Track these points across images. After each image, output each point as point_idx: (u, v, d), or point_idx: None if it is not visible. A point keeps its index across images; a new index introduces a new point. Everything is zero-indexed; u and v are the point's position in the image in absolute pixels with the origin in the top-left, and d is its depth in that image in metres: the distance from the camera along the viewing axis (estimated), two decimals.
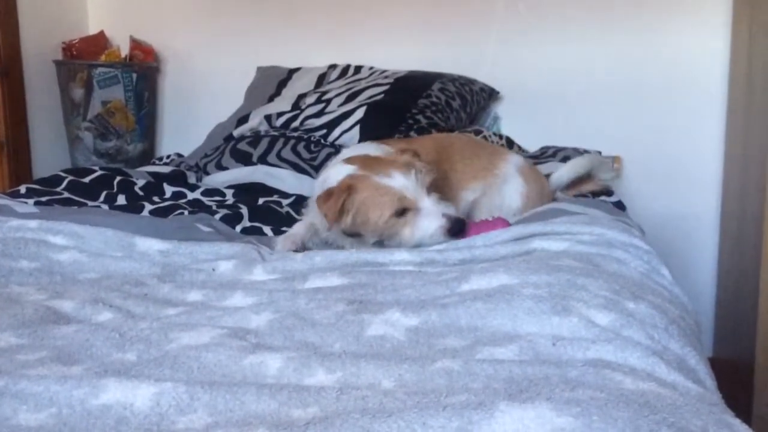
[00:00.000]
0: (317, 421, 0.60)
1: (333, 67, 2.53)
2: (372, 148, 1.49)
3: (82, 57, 2.69)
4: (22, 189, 1.77)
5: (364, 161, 1.36)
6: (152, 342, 0.86)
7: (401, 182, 1.29)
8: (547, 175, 1.81)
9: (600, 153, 2.34)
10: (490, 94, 2.47)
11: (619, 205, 1.77)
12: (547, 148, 2.31)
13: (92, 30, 2.89)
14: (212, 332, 0.88)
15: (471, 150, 1.65)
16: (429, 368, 0.71)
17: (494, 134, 2.29)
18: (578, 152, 2.23)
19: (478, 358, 0.74)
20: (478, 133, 2.23)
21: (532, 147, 2.36)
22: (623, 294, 0.93)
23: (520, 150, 2.29)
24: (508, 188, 1.55)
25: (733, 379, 2.00)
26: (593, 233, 1.25)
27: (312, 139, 2.17)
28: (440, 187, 1.54)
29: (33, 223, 1.38)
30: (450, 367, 0.71)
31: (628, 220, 1.51)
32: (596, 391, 0.62)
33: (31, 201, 1.67)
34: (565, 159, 2.15)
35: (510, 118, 2.54)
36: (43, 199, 1.72)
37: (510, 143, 2.28)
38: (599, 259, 1.14)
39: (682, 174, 2.46)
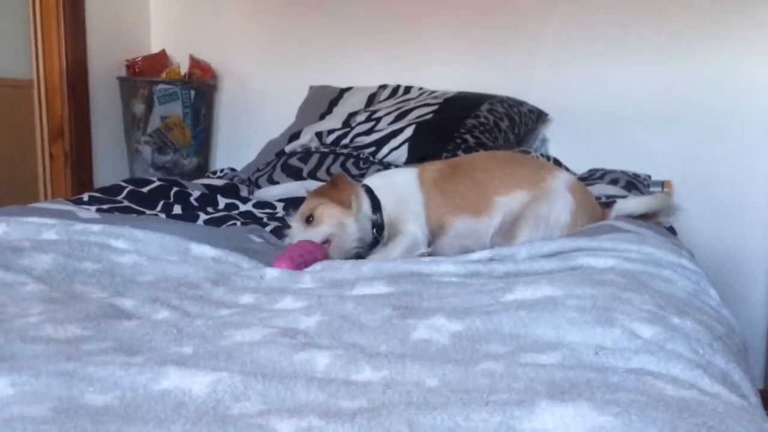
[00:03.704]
0: (364, 411, 0.63)
1: (383, 87, 2.59)
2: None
3: (144, 74, 2.81)
4: (85, 197, 1.86)
5: None
6: (208, 338, 0.91)
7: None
8: (598, 198, 1.80)
9: (650, 177, 2.33)
10: (539, 116, 2.49)
11: (671, 230, 1.76)
12: (595, 170, 2.31)
13: (154, 49, 3.02)
14: (264, 331, 0.92)
15: (516, 161, 1.67)
16: (472, 369, 0.74)
17: (542, 155, 2.30)
18: (627, 175, 2.22)
19: (520, 362, 0.76)
20: (525, 153, 2.24)
21: (580, 169, 2.36)
22: (668, 309, 0.93)
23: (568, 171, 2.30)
24: (557, 203, 1.54)
25: None
26: (641, 251, 1.25)
27: (361, 156, 2.22)
28: (465, 193, 1.58)
29: (96, 227, 1.45)
30: (493, 368, 0.73)
31: (679, 242, 1.50)
32: (637, 395, 0.64)
33: (93, 208, 1.75)
34: (613, 181, 2.15)
35: (558, 140, 2.55)
36: (105, 206, 1.80)
37: (557, 165, 2.28)
38: (646, 277, 1.14)
39: (734, 202, 2.42)
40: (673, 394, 0.65)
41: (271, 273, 1.28)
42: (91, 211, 1.70)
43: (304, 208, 1.57)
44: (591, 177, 2.23)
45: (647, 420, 0.57)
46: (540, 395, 0.64)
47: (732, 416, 0.62)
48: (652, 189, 2.28)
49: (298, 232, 1.53)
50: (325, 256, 1.44)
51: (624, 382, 0.68)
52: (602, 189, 2.04)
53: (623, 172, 2.25)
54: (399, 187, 1.63)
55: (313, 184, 2.13)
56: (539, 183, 1.56)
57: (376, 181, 1.67)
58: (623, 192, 2.03)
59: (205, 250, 1.39)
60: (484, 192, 1.58)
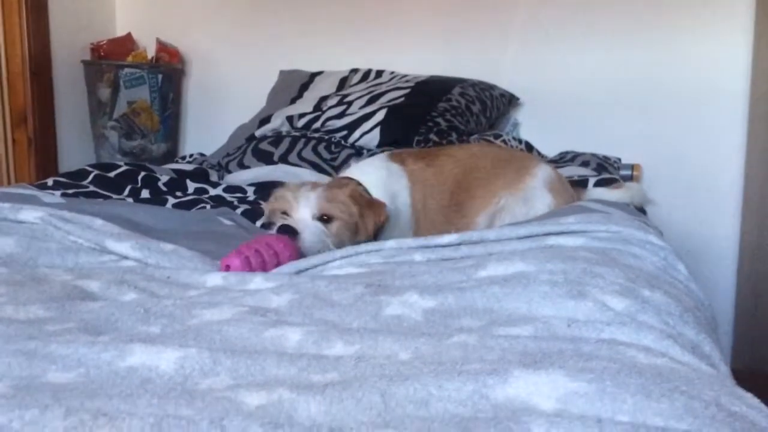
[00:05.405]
0: (336, 383, 0.62)
1: (355, 71, 2.57)
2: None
3: (110, 58, 2.75)
4: (50, 181, 1.81)
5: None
6: (176, 317, 0.89)
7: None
8: (569, 178, 1.80)
9: (620, 160, 2.35)
10: (510, 100, 2.49)
11: (641, 211, 1.77)
12: (566, 153, 2.32)
13: (120, 32, 2.95)
14: (233, 310, 0.90)
15: (494, 169, 1.59)
16: (445, 342, 0.73)
17: (513, 138, 2.31)
18: (597, 158, 2.23)
19: (493, 335, 0.76)
20: (497, 137, 2.24)
21: (551, 152, 2.37)
22: (639, 282, 0.94)
23: (539, 155, 2.30)
24: (535, 203, 1.53)
25: (751, 390, 1.98)
26: (609, 230, 1.25)
27: (333, 140, 2.20)
28: (449, 215, 1.54)
29: (35, 216, 1.35)
30: (466, 341, 0.73)
31: (647, 220, 1.51)
32: (610, 362, 0.64)
33: (57, 192, 1.70)
34: (584, 164, 2.16)
35: (529, 124, 2.55)
36: (70, 191, 1.76)
37: (529, 148, 2.29)
38: (615, 254, 1.14)
39: (702, 183, 2.45)
40: (646, 362, 0.65)
41: (213, 280, 1.11)
42: (55, 196, 1.65)
43: (322, 200, 1.37)
44: (562, 160, 2.24)
45: (621, 385, 0.57)
46: (513, 364, 0.64)
47: (704, 382, 0.62)
48: (622, 172, 2.30)
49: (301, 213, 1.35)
50: (297, 256, 1.28)
51: (597, 351, 0.68)
52: (573, 171, 2.05)
53: (594, 155, 2.27)
54: (399, 215, 1.50)
55: (284, 168, 2.11)
56: (517, 185, 1.55)
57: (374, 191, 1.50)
58: (594, 174, 2.04)
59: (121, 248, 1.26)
60: (467, 213, 1.54)
